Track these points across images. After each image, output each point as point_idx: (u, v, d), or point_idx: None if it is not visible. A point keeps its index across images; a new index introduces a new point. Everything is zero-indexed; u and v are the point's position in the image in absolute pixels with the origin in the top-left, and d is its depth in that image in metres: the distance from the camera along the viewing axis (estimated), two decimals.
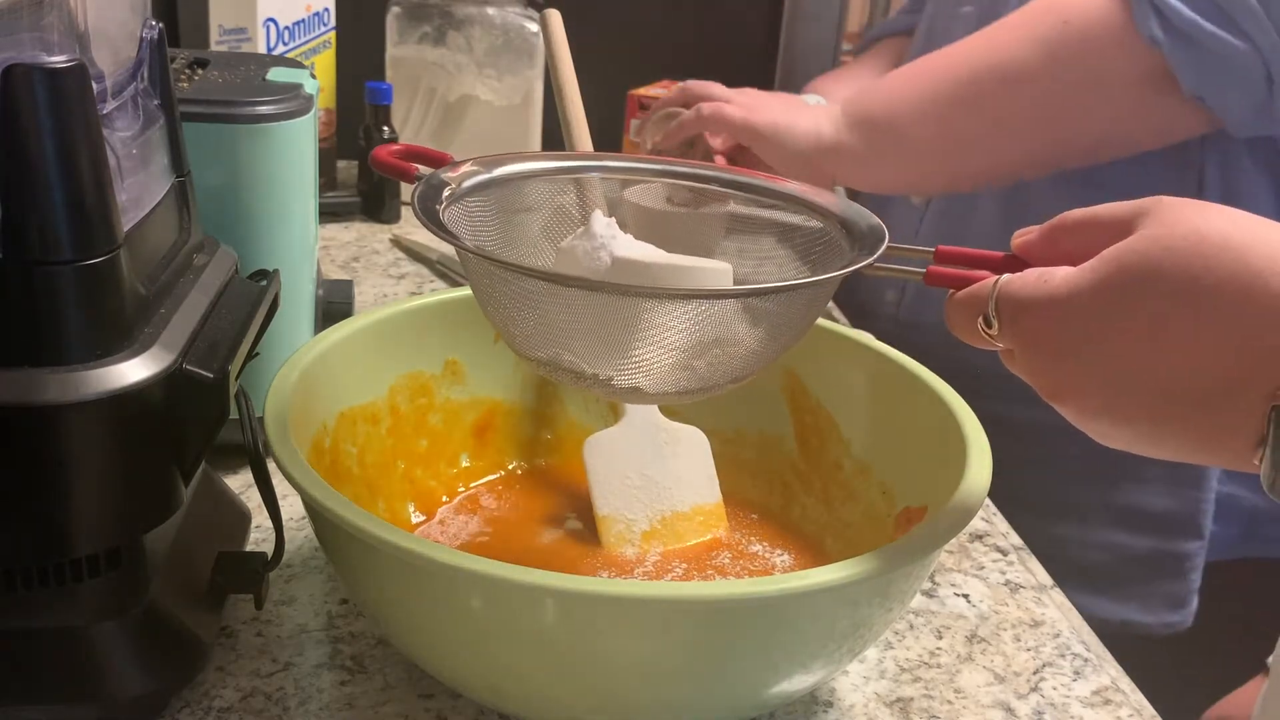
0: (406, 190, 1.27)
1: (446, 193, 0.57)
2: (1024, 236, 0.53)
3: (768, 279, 0.61)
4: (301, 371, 0.60)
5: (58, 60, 0.46)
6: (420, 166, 0.59)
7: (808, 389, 0.70)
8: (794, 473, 0.71)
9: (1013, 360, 0.50)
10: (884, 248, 0.54)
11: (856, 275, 0.53)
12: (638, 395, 0.55)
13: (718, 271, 0.58)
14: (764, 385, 0.71)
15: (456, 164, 0.59)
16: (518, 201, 0.61)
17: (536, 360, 0.55)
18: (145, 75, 0.58)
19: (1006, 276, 0.49)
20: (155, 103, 0.59)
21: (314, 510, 0.52)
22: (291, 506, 0.58)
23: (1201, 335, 0.44)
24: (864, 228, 0.56)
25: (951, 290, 0.52)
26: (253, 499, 0.62)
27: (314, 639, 0.62)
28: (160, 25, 0.59)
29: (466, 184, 0.58)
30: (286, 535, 0.60)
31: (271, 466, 0.55)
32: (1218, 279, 0.44)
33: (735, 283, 0.58)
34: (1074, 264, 0.48)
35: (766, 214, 0.62)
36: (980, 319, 0.50)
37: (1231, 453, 0.46)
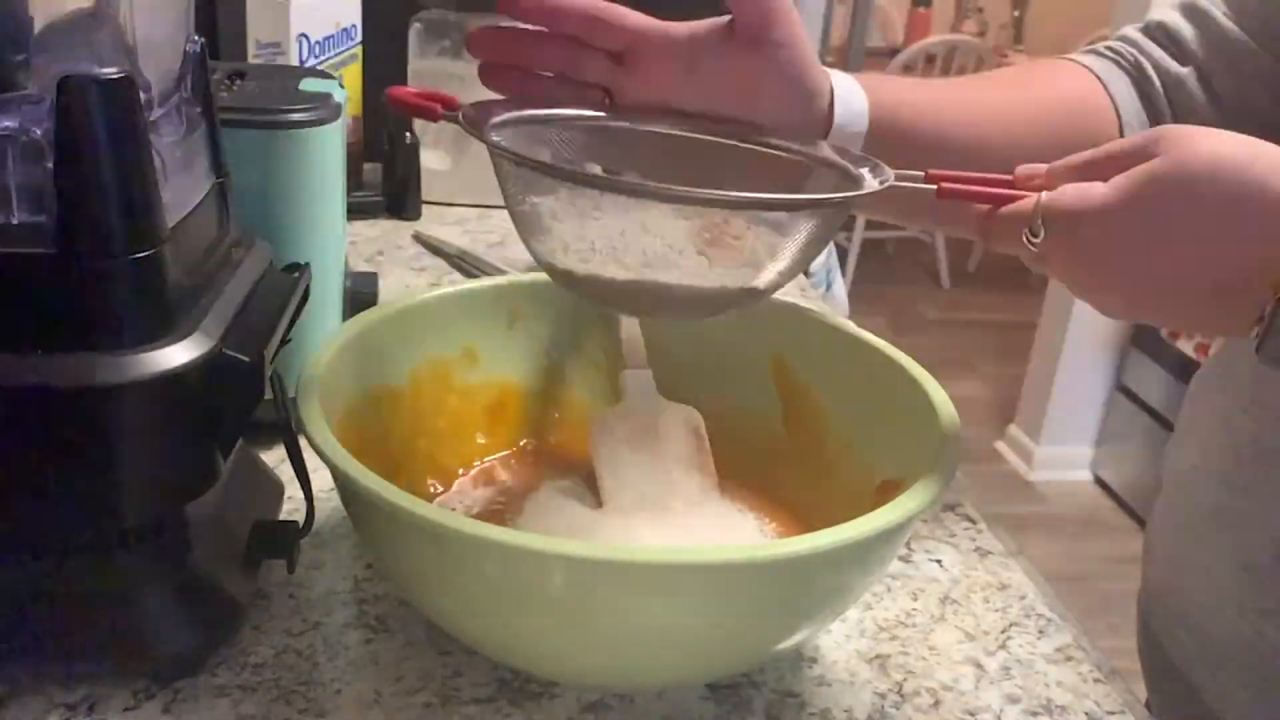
0: (426, 189, 1.28)
1: (494, 121, 0.58)
2: (1030, 175, 0.55)
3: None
4: (331, 356, 0.60)
5: (109, 72, 0.47)
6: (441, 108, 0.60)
7: (794, 373, 0.71)
8: (781, 449, 0.71)
9: (1041, 263, 0.53)
10: (890, 181, 0.56)
11: None
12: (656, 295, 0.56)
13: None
14: (754, 369, 0.71)
15: (505, 101, 0.61)
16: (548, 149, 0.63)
17: (560, 267, 0.57)
18: (188, 85, 0.58)
19: (1047, 194, 0.52)
20: (197, 110, 0.59)
21: (342, 482, 0.53)
22: (321, 479, 0.58)
23: (1226, 239, 0.48)
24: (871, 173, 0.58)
25: (990, 206, 0.54)
26: (285, 472, 0.63)
27: (341, 600, 0.63)
28: (202, 40, 0.59)
29: (511, 115, 0.60)
30: (316, 505, 0.61)
31: (302, 442, 0.55)
32: (1233, 190, 0.47)
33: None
34: None
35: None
36: (1026, 231, 0.52)
37: (1228, 328, 0.50)
